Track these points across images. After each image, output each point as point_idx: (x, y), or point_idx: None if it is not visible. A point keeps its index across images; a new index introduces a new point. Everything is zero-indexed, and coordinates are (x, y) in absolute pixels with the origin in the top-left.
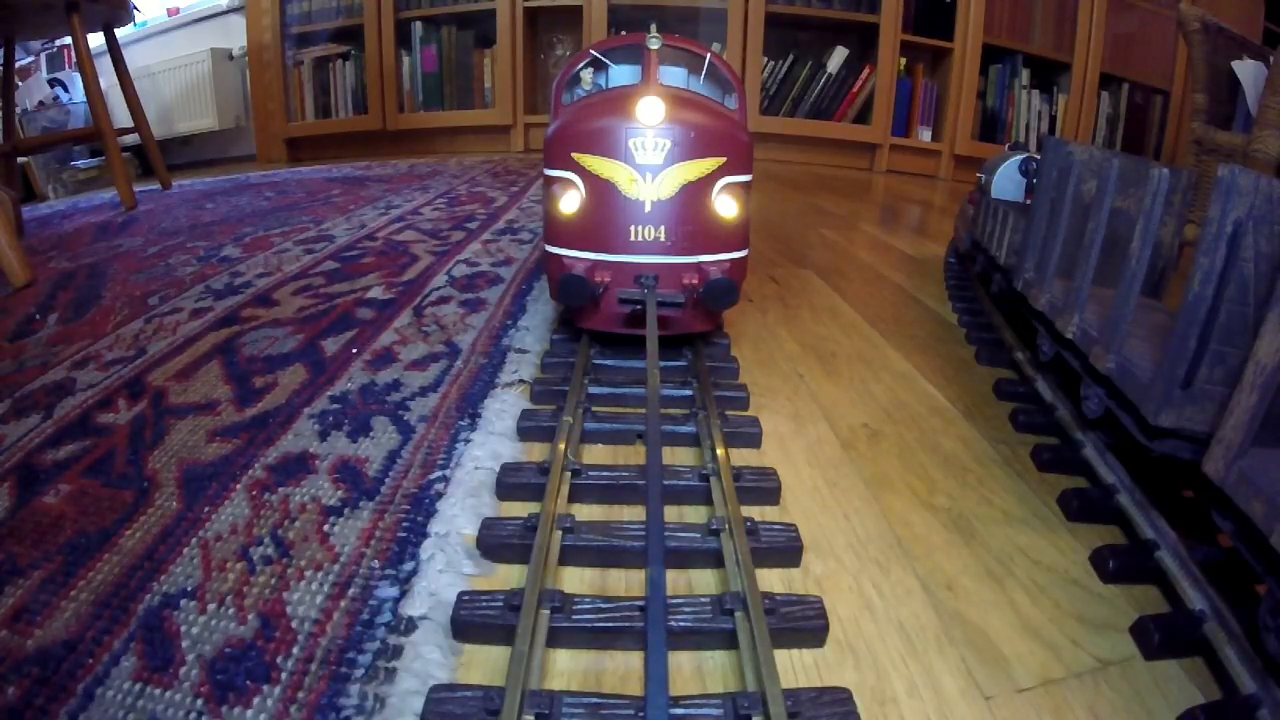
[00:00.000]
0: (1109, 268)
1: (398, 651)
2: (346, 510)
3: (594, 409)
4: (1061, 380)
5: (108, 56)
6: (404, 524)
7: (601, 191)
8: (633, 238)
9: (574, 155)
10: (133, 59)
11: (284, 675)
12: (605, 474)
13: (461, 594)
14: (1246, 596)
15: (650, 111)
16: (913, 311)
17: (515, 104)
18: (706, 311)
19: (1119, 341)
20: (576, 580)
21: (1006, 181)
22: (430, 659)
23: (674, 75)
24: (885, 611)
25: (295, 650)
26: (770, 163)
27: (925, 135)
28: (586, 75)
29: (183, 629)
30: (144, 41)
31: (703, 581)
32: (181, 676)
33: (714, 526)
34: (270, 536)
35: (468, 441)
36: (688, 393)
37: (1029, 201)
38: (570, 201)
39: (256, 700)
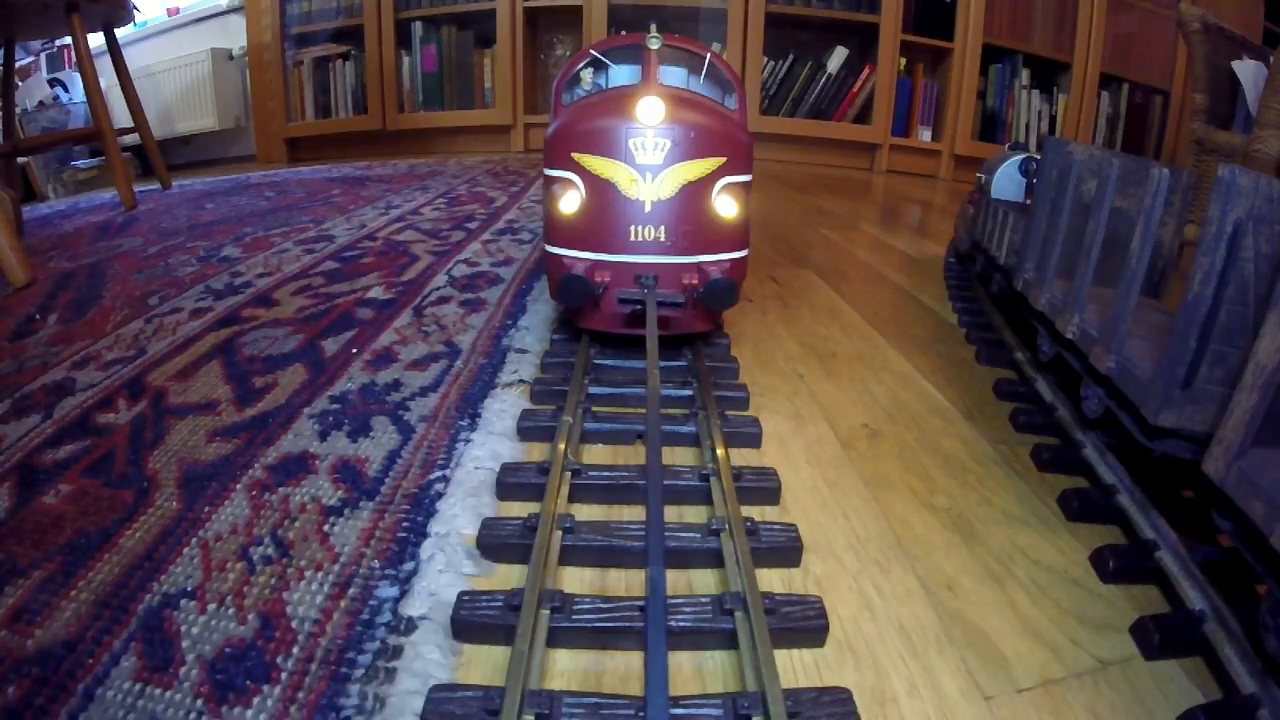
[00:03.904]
0: (1109, 268)
1: (398, 651)
2: (346, 510)
3: (594, 409)
4: (1061, 380)
5: (108, 56)
6: (404, 524)
7: (601, 191)
8: (633, 238)
9: (574, 155)
10: (133, 59)
11: (284, 675)
12: (605, 474)
13: (461, 594)
14: (1246, 596)
15: (650, 111)
16: (913, 311)
17: (515, 104)
18: (706, 311)
19: (1119, 341)
20: (576, 580)
21: (1006, 181)
22: (430, 659)
23: (674, 75)
24: (885, 611)
25: (295, 650)
26: (770, 163)
27: (925, 135)
28: (586, 75)
29: (183, 629)
30: (144, 41)
31: (703, 581)
32: (181, 676)
33: (714, 526)
34: (270, 536)
35: (468, 441)
36: (688, 393)
37: (1029, 201)
38: (570, 201)
39: (256, 700)
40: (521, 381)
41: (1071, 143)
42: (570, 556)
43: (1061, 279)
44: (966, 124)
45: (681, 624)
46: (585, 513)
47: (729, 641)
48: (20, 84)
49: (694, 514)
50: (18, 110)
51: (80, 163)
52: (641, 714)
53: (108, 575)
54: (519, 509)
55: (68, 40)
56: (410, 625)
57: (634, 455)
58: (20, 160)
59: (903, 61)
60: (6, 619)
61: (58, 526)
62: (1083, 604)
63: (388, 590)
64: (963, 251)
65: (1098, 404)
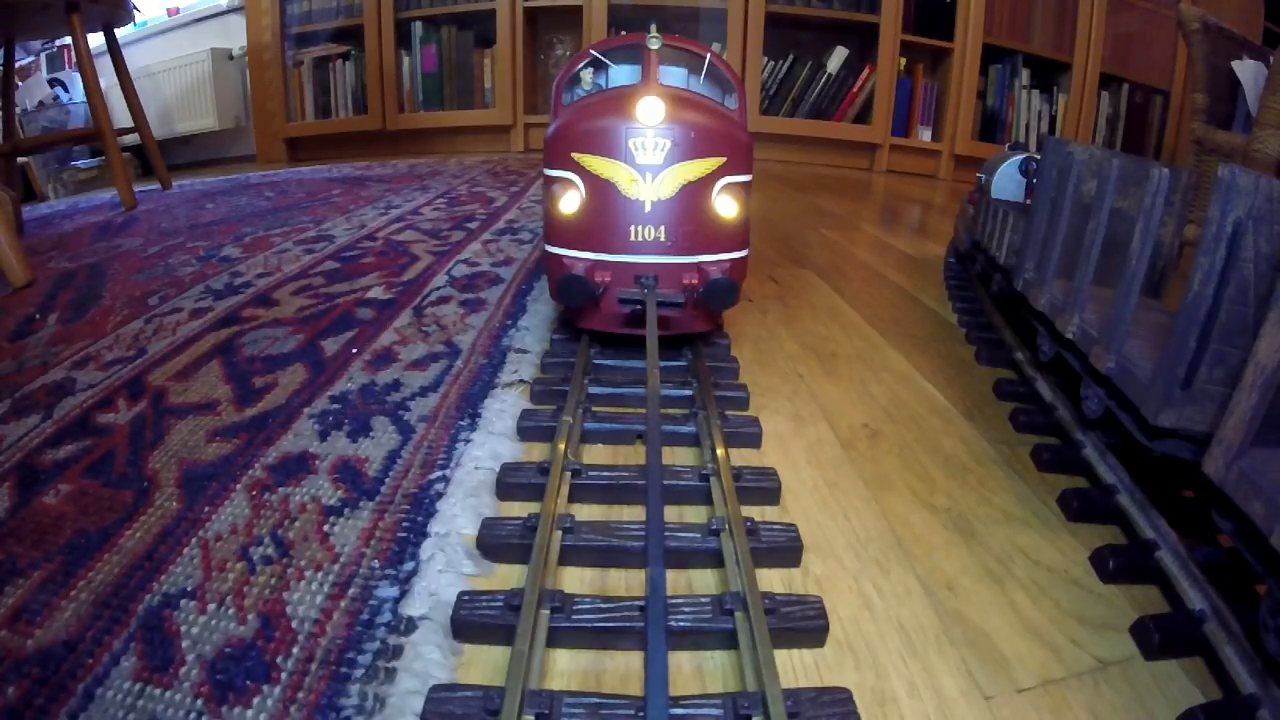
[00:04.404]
0: (1109, 268)
1: (398, 651)
2: (346, 510)
3: (594, 409)
4: (1061, 380)
5: (108, 56)
6: (404, 524)
7: (601, 191)
8: (633, 238)
9: (574, 155)
10: (133, 59)
11: (284, 675)
12: (605, 474)
13: (461, 594)
14: (1246, 596)
15: (650, 111)
16: (913, 311)
17: (515, 104)
18: (706, 311)
19: (1119, 341)
20: (576, 580)
21: (1006, 181)
22: (430, 659)
23: (674, 75)
24: (885, 611)
25: (295, 650)
26: (770, 163)
27: (925, 135)
28: (586, 75)
29: (183, 629)
30: (144, 41)
31: (703, 581)
32: (181, 676)
33: (714, 526)
34: (270, 536)
35: (468, 441)
36: (688, 393)
37: (1029, 201)
38: (570, 201)
39: (256, 700)
40: (521, 381)
41: (1071, 143)
42: (570, 556)
43: (1061, 279)
44: (966, 124)
45: (681, 624)
46: (585, 513)
47: (729, 641)
48: (20, 84)
49: (694, 514)
50: (18, 110)
51: (80, 163)
52: (641, 714)
53: (108, 575)
54: (519, 509)
55: (68, 40)
56: (410, 625)
57: (634, 455)
58: (20, 160)
59: (903, 61)
60: (6, 619)
61: (58, 526)
62: (1083, 604)
63: (388, 590)
64: (963, 251)
65: (1098, 404)
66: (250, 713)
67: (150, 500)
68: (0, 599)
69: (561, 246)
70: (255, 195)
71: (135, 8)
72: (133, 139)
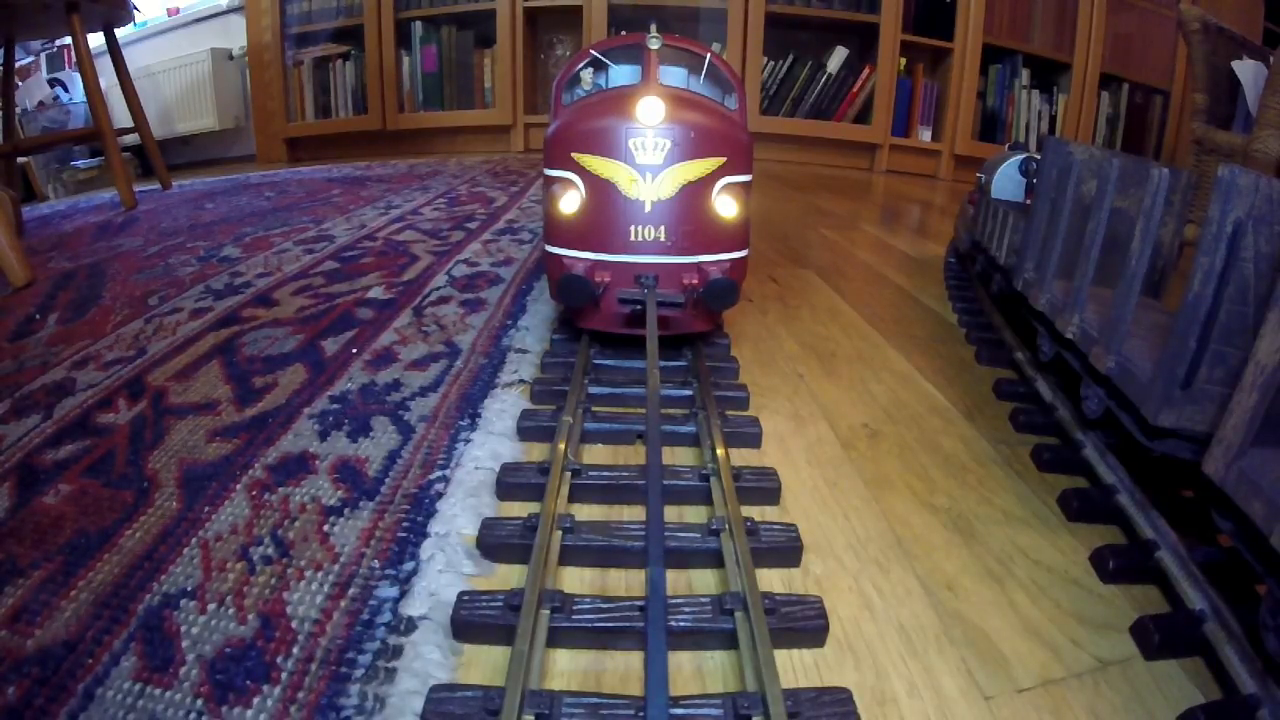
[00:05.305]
0: (1109, 268)
1: (398, 651)
2: (346, 510)
3: (594, 409)
4: (1061, 380)
5: (108, 56)
6: (404, 524)
7: (601, 191)
8: (633, 238)
9: (574, 155)
10: (133, 59)
11: (284, 675)
12: (605, 474)
13: (461, 594)
14: (1246, 596)
15: (650, 111)
16: (913, 311)
17: (515, 104)
18: (706, 311)
19: (1119, 341)
20: (576, 580)
21: (1006, 181)
22: (430, 659)
23: (674, 75)
24: (885, 611)
25: (295, 650)
26: (770, 163)
27: (925, 135)
28: (586, 75)
29: (183, 629)
30: (144, 41)
31: (703, 581)
32: (181, 676)
33: (714, 526)
34: (270, 536)
35: (468, 441)
36: (688, 393)
37: (1029, 201)
38: (570, 201)
39: (256, 700)
40: (521, 381)
41: (1071, 143)
42: (570, 556)
43: (1061, 279)
44: (966, 124)
45: (681, 624)
46: (585, 513)
47: (729, 641)
48: (20, 84)
49: (694, 514)
50: (18, 110)
51: (80, 163)
52: (641, 714)
53: (108, 575)
54: (519, 509)
55: (68, 40)
56: (410, 625)
57: (634, 455)
58: (20, 160)
59: (903, 61)
60: (6, 619)
61: (58, 526)
62: (1083, 604)
63: (388, 590)
64: (963, 251)
65: (1098, 404)
66: (250, 713)
67: (150, 500)
68: (0, 599)
69: (561, 246)
70: (255, 195)
71: (135, 8)
72: (133, 139)
